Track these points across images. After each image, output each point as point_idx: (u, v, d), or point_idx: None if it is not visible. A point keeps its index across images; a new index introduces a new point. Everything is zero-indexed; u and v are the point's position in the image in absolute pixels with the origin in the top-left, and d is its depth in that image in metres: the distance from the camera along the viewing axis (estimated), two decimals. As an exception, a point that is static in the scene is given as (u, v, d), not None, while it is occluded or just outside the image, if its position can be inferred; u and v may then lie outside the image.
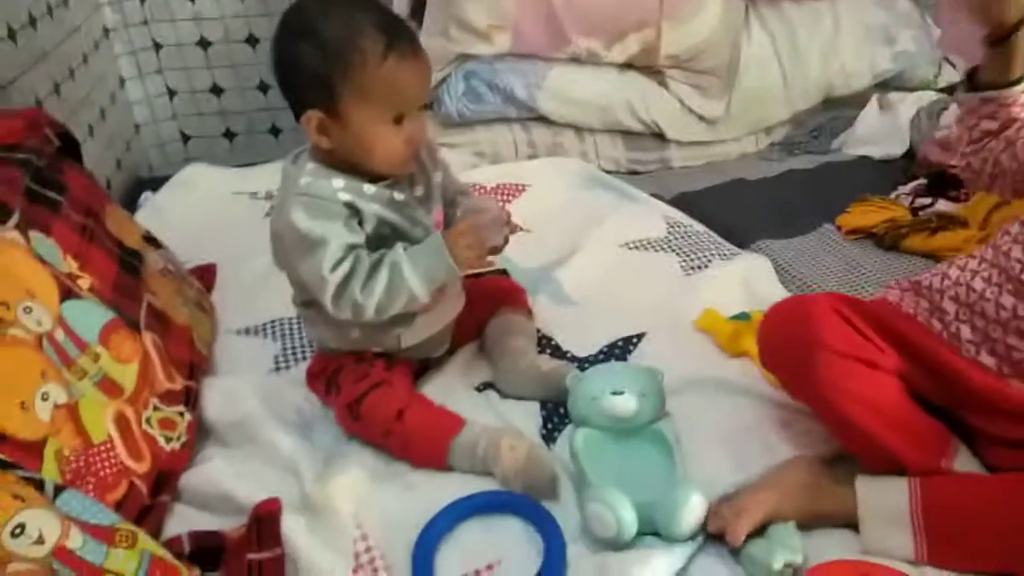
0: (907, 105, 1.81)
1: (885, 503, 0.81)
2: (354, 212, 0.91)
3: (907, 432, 0.83)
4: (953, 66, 2.05)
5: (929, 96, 1.84)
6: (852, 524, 0.84)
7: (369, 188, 0.92)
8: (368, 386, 0.97)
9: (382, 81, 0.86)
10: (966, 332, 0.87)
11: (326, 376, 1.02)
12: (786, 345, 0.90)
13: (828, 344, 0.84)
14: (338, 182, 0.91)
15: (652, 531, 0.83)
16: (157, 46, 1.95)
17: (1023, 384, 0.83)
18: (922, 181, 1.53)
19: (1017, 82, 0.87)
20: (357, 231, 0.92)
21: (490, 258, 0.95)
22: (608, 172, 1.74)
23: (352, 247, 0.90)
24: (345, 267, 0.89)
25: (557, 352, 1.15)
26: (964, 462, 0.85)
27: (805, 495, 0.85)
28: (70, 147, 1.15)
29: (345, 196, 0.91)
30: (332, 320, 0.96)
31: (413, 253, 0.92)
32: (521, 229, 1.47)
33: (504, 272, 1.30)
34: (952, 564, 0.79)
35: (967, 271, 0.89)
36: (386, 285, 0.90)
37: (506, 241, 0.96)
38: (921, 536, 0.79)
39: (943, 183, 1.48)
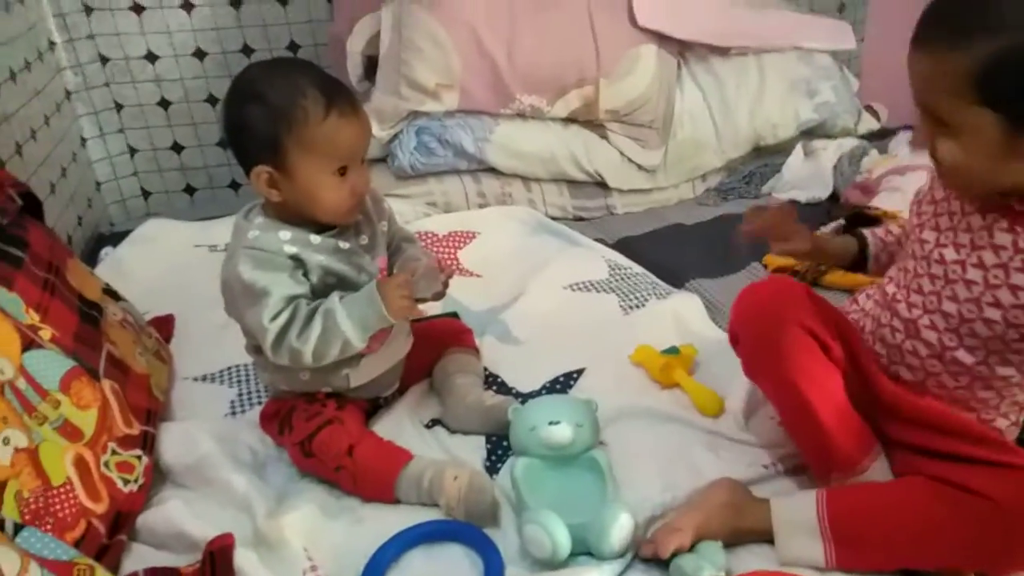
0: (830, 152, 1.95)
1: (796, 516, 0.89)
2: (299, 264, 0.98)
3: (844, 420, 0.90)
4: (876, 116, 2.22)
5: (850, 143, 1.99)
6: (772, 539, 0.91)
7: (315, 238, 0.99)
8: (320, 423, 1.02)
9: (325, 136, 0.94)
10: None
11: (279, 417, 1.07)
12: (759, 318, 0.94)
13: (798, 318, 0.89)
14: (285, 234, 0.98)
15: (586, 551, 0.89)
16: (118, 106, 2.01)
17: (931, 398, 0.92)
18: (841, 221, 1.65)
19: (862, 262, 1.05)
20: (302, 282, 0.98)
21: (423, 306, 1.01)
22: (555, 219, 1.83)
23: (293, 298, 0.96)
24: (284, 317, 0.95)
25: (503, 388, 1.22)
26: (881, 466, 0.92)
27: (728, 513, 0.92)
28: (32, 205, 1.20)
29: (291, 249, 0.97)
30: (282, 365, 1.02)
31: (348, 301, 0.98)
32: (467, 273, 1.55)
33: (454, 315, 1.38)
34: (860, 566, 0.87)
35: (869, 299, 1.00)
36: (321, 331, 0.96)
37: (446, 286, 1.04)
38: (829, 543, 0.87)
39: (860, 223, 1.60)
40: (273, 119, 0.93)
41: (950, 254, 0.86)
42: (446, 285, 1.02)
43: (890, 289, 0.94)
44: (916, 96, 0.78)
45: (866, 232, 1.09)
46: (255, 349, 1.08)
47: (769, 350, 0.91)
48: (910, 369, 0.92)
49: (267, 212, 1.01)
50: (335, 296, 0.99)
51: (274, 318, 0.95)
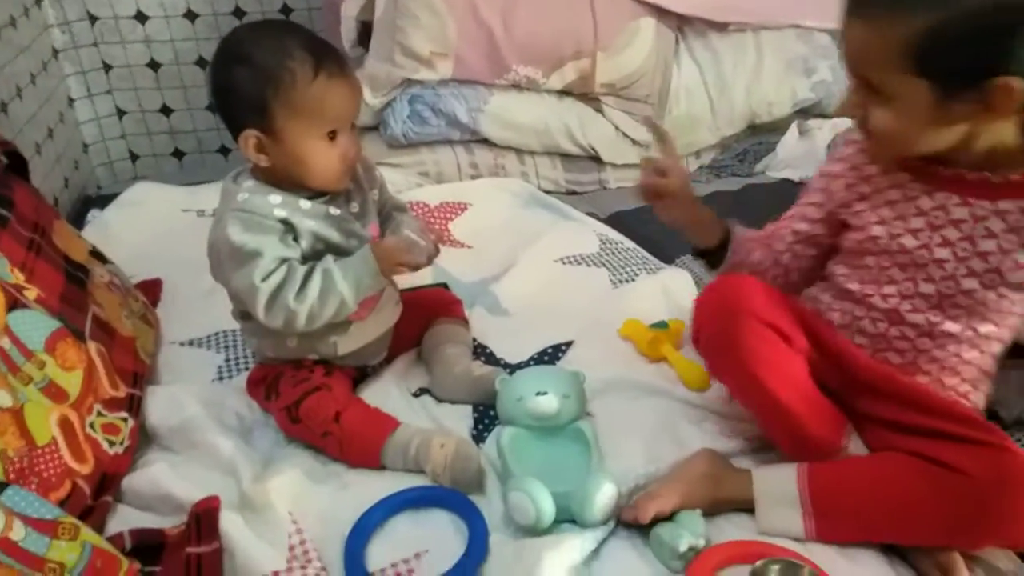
0: (824, 131, 1.94)
1: (776, 487, 0.90)
2: (289, 228, 0.97)
3: (813, 406, 0.91)
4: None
5: (845, 123, 1.97)
6: (751, 509, 0.92)
7: (306, 204, 0.98)
8: (307, 389, 1.02)
9: (313, 98, 0.92)
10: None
11: (266, 383, 1.07)
12: (717, 315, 0.94)
13: (754, 311, 0.90)
14: (275, 198, 0.97)
15: (569, 519, 0.90)
16: (107, 67, 1.98)
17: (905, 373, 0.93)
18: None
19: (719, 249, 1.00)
20: (292, 246, 0.97)
21: (414, 274, 1.01)
22: (548, 192, 1.82)
23: (285, 260, 0.96)
24: (278, 276, 0.95)
25: (491, 359, 1.22)
26: (855, 443, 0.94)
27: (708, 483, 0.93)
28: (18, 165, 1.19)
29: (281, 212, 0.96)
30: (270, 330, 1.01)
31: (343, 262, 0.98)
32: (458, 244, 1.55)
33: (444, 285, 1.38)
34: (839, 538, 0.88)
35: (825, 293, 1.00)
36: (320, 291, 0.95)
37: (437, 250, 1.03)
38: (809, 515, 0.88)
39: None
40: (260, 81, 0.92)
41: (909, 241, 0.88)
42: (438, 250, 1.02)
43: (853, 287, 0.93)
44: (849, 64, 0.80)
45: (736, 228, 1.05)
46: (242, 315, 1.08)
47: (728, 346, 0.91)
48: (899, 352, 0.92)
49: (256, 176, 1.00)
50: (329, 258, 0.98)
51: (266, 278, 0.94)
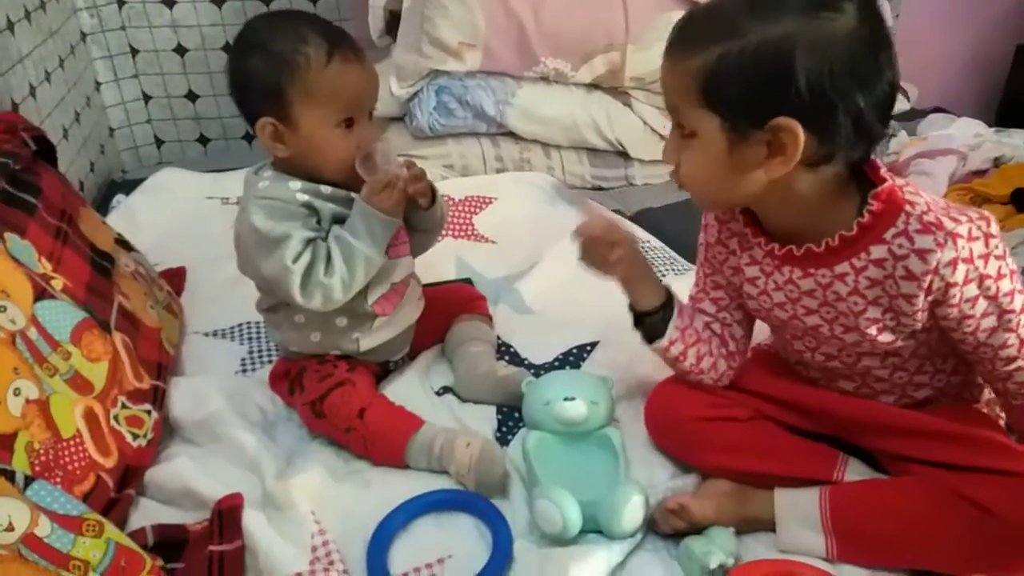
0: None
1: (799, 508, 0.88)
2: (312, 211, 0.97)
3: (785, 459, 0.92)
4: (906, 96, 2.16)
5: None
6: (774, 528, 0.89)
7: (326, 189, 0.98)
8: (331, 385, 1.01)
9: (327, 83, 0.92)
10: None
11: (290, 377, 1.06)
12: (662, 423, 1.00)
13: (687, 414, 0.96)
14: (295, 184, 0.97)
15: (595, 528, 0.88)
16: (134, 51, 1.98)
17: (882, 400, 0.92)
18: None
19: (657, 310, 0.96)
20: (316, 228, 0.97)
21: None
22: (573, 188, 1.80)
23: (310, 240, 0.96)
24: (306, 257, 0.95)
25: (515, 359, 1.21)
26: (856, 472, 0.91)
27: (736, 500, 0.91)
28: (46, 150, 1.18)
29: (303, 197, 0.96)
30: (294, 324, 1.01)
31: (347, 224, 0.97)
32: (482, 239, 1.53)
33: (468, 281, 1.36)
34: (860, 560, 0.86)
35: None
36: (342, 258, 0.95)
37: (420, 180, 1.01)
38: (831, 536, 0.86)
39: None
40: (275, 67, 0.92)
41: (781, 314, 0.89)
42: (415, 176, 1.00)
43: (776, 347, 0.98)
44: (665, 101, 0.81)
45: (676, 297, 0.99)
46: (268, 308, 1.07)
47: (684, 448, 0.98)
48: (847, 379, 0.93)
49: (276, 166, 1.00)
50: (336, 227, 0.98)
51: (296, 259, 0.94)
